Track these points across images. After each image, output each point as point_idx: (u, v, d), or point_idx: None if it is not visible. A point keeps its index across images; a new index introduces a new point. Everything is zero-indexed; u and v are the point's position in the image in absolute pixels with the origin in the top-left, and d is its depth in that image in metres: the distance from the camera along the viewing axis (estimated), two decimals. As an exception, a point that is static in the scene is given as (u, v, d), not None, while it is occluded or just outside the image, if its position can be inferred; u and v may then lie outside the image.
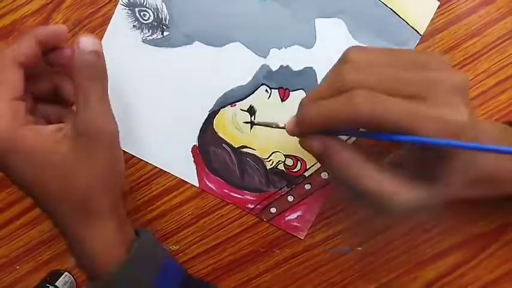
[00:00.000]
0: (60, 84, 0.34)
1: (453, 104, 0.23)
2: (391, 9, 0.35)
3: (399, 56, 0.26)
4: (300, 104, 0.27)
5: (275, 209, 0.39)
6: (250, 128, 0.37)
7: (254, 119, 0.37)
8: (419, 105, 0.23)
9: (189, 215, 0.39)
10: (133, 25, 0.36)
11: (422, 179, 0.26)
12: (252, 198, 0.38)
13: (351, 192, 0.29)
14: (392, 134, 0.24)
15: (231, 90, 0.37)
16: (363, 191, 0.26)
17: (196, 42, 0.36)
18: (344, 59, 0.26)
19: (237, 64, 0.36)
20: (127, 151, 0.38)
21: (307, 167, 0.38)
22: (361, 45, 0.36)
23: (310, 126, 0.26)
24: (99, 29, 0.37)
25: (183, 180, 0.38)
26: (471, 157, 0.25)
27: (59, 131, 0.30)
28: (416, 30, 0.35)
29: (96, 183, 0.30)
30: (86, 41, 0.30)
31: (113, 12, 0.36)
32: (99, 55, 0.30)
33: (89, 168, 0.30)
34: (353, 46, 0.26)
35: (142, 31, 0.36)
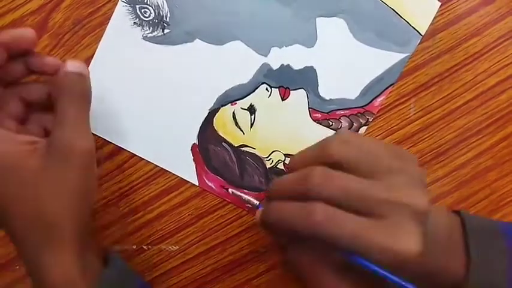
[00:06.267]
0: (52, 92, 0.33)
1: (408, 232, 0.24)
2: (392, 8, 0.35)
3: (376, 164, 0.26)
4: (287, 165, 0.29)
5: (275, 209, 0.38)
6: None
7: (254, 118, 0.37)
8: (375, 227, 0.24)
9: (188, 215, 0.39)
10: (134, 22, 0.36)
11: (367, 282, 0.27)
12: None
13: None
14: (348, 253, 0.25)
15: (232, 88, 0.37)
16: None
17: (197, 40, 0.36)
18: (323, 150, 0.26)
19: (238, 62, 0.36)
20: (126, 149, 0.38)
21: (308, 167, 0.38)
22: (362, 45, 0.36)
23: (273, 228, 0.27)
24: (98, 28, 0.37)
25: (183, 180, 0.38)
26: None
27: (31, 144, 0.29)
28: (417, 30, 0.36)
29: (63, 210, 0.28)
30: (72, 63, 0.30)
31: (113, 11, 0.36)
32: (82, 77, 0.30)
33: (58, 192, 0.28)
34: (339, 136, 0.26)
35: (142, 28, 0.36)
